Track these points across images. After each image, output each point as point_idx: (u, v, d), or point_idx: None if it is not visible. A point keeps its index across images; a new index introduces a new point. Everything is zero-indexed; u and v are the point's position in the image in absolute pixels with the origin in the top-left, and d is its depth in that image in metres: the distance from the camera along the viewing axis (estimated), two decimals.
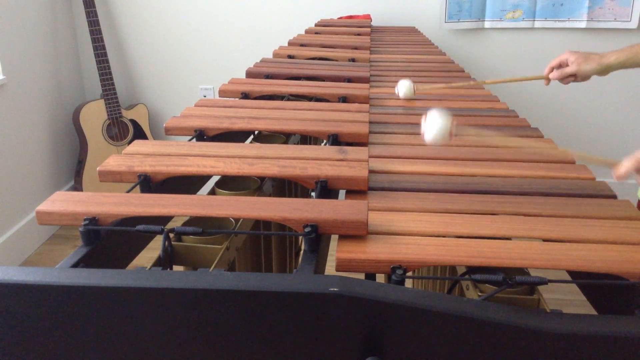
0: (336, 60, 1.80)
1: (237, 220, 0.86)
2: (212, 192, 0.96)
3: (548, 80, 1.44)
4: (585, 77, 1.37)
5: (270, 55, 1.84)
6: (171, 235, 0.73)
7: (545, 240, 0.73)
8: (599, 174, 0.97)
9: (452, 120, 0.77)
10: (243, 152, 0.94)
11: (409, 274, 0.66)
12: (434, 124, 0.77)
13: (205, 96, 3.00)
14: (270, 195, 1.02)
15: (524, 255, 0.68)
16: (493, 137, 0.85)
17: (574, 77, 1.38)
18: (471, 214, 0.80)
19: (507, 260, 0.67)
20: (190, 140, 1.06)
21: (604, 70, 1.34)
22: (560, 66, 1.40)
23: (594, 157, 0.80)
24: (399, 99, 1.42)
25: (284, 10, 2.82)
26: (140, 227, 0.70)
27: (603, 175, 0.98)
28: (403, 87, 1.41)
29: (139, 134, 2.91)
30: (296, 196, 1.43)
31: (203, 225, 0.73)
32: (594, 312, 0.73)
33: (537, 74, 1.47)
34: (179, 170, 0.87)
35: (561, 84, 1.46)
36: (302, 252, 0.71)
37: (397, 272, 0.65)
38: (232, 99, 1.34)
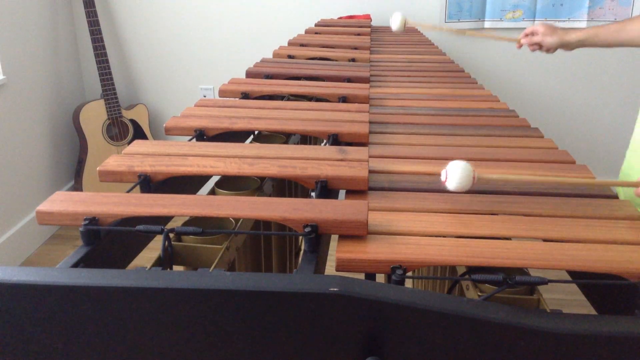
0: (336, 60, 1.80)
1: (237, 220, 0.86)
2: (212, 192, 0.96)
3: (520, 44, 1.64)
4: (549, 49, 1.57)
5: (270, 55, 1.84)
6: (171, 235, 0.73)
7: (545, 240, 0.73)
8: (599, 174, 0.97)
9: (472, 170, 0.78)
10: (243, 152, 0.94)
11: (409, 274, 0.66)
12: (455, 173, 0.77)
13: (205, 96, 3.00)
14: (270, 195, 1.02)
15: (524, 255, 0.68)
16: (520, 176, 0.85)
17: (540, 46, 1.57)
18: (471, 214, 0.80)
19: (507, 260, 0.67)
20: (190, 140, 1.06)
21: (565, 45, 1.53)
22: (532, 34, 1.59)
23: (616, 181, 0.86)
24: (398, 99, 1.42)
25: (284, 10, 2.82)
26: (140, 227, 0.70)
27: (603, 176, 0.98)
28: (396, 20, 1.53)
29: (139, 134, 2.91)
30: (296, 196, 1.43)
31: (203, 225, 0.73)
32: (594, 312, 0.73)
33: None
34: (179, 170, 0.87)
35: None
36: (302, 252, 0.71)
37: (397, 272, 0.65)
38: (232, 99, 1.34)
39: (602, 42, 1.46)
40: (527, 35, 1.61)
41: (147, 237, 0.82)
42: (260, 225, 1.02)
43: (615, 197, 0.89)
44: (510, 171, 0.95)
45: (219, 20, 2.88)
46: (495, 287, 0.64)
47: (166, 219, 0.77)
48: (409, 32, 2.52)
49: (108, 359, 0.58)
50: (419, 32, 2.55)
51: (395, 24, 1.54)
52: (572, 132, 2.87)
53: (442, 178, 0.79)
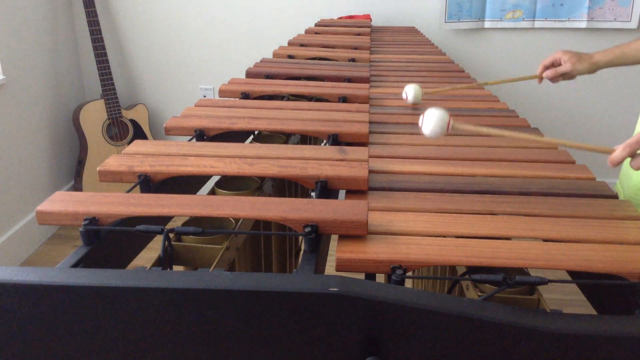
0: (336, 60, 1.80)
1: (237, 220, 0.86)
2: (212, 192, 0.96)
3: (541, 78, 1.48)
4: (573, 76, 1.44)
5: (270, 55, 1.84)
6: (171, 235, 0.73)
7: (545, 240, 0.73)
8: (599, 174, 0.97)
9: (448, 116, 0.82)
10: (243, 152, 0.94)
11: (409, 274, 0.66)
12: (431, 119, 0.82)
13: (205, 96, 3.00)
14: (270, 195, 1.02)
15: (524, 255, 0.68)
16: (493, 130, 0.88)
17: (565, 75, 1.44)
18: (471, 214, 0.80)
19: (507, 260, 0.67)
20: (190, 140, 1.06)
21: (593, 70, 1.42)
22: (553, 65, 1.45)
23: (589, 145, 0.85)
24: (398, 99, 1.42)
25: (284, 10, 2.82)
26: (140, 227, 0.70)
27: (603, 176, 0.98)
28: (411, 92, 1.34)
29: (139, 134, 2.91)
30: (296, 196, 1.43)
31: (203, 225, 0.73)
32: (594, 312, 0.73)
33: (532, 74, 1.51)
34: (179, 170, 0.87)
35: (563, 87, 1.49)
36: (302, 252, 0.71)
37: (397, 272, 0.65)
38: (232, 99, 1.34)
39: (630, 60, 1.37)
40: (546, 66, 1.45)
41: (147, 237, 0.82)
42: (260, 225, 1.02)
43: (616, 197, 0.89)
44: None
45: (219, 20, 2.88)
46: (495, 287, 0.64)
47: (166, 219, 0.77)
48: (409, 32, 2.52)
49: (108, 359, 0.58)
50: (419, 32, 2.55)
51: (410, 96, 1.34)
52: (572, 133, 2.87)
53: (419, 123, 0.83)
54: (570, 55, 1.41)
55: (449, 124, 0.81)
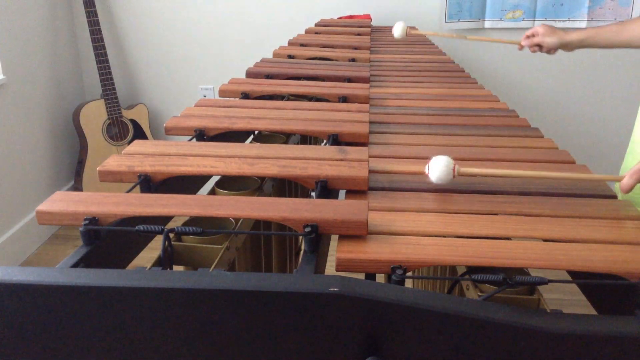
0: (336, 60, 1.80)
1: (237, 220, 0.86)
2: (212, 192, 0.96)
3: (521, 46, 1.69)
4: (549, 49, 1.61)
5: (270, 55, 1.84)
6: (171, 235, 0.73)
7: (545, 240, 0.73)
8: (599, 173, 0.97)
9: (452, 162, 0.86)
10: (243, 152, 0.94)
11: (409, 274, 0.66)
12: (437, 166, 0.85)
13: (205, 96, 3.00)
14: (270, 195, 1.02)
15: (524, 255, 0.68)
16: (501, 170, 0.90)
17: (540, 47, 1.62)
18: (471, 214, 0.80)
19: (507, 260, 0.67)
20: (190, 140, 1.06)
21: (565, 46, 1.57)
22: (533, 35, 1.63)
23: (601, 176, 0.90)
24: (398, 99, 1.42)
25: (284, 11, 2.82)
26: (140, 227, 0.70)
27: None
28: (398, 28, 1.78)
29: (139, 134, 2.91)
30: (296, 196, 1.43)
31: (203, 225, 0.73)
32: (594, 312, 0.73)
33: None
34: (179, 170, 0.87)
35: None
36: (302, 252, 0.71)
37: (397, 272, 0.65)
38: (232, 99, 1.34)
39: (602, 42, 1.47)
40: (527, 37, 1.64)
41: (147, 237, 0.81)
42: (260, 225, 1.02)
43: (615, 197, 0.89)
44: (492, 166, 0.99)
45: (219, 20, 2.88)
46: (495, 287, 0.64)
47: (166, 219, 0.77)
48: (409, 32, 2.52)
49: (108, 359, 0.58)
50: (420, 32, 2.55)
51: (397, 32, 1.76)
52: (571, 132, 2.87)
53: (426, 171, 0.86)
54: (546, 30, 1.58)
55: (454, 169, 0.85)
